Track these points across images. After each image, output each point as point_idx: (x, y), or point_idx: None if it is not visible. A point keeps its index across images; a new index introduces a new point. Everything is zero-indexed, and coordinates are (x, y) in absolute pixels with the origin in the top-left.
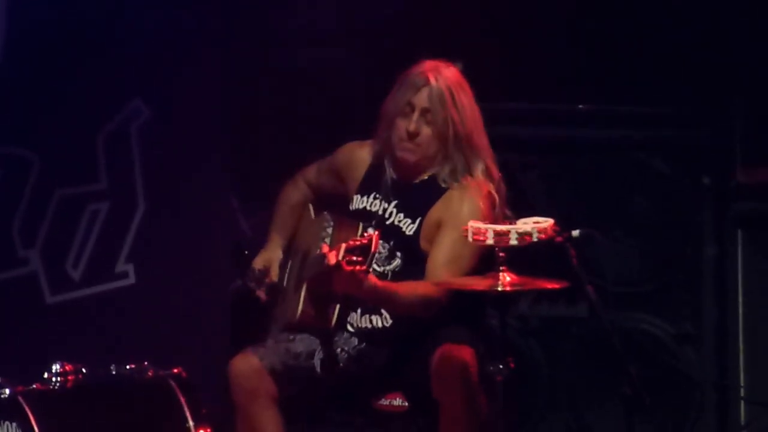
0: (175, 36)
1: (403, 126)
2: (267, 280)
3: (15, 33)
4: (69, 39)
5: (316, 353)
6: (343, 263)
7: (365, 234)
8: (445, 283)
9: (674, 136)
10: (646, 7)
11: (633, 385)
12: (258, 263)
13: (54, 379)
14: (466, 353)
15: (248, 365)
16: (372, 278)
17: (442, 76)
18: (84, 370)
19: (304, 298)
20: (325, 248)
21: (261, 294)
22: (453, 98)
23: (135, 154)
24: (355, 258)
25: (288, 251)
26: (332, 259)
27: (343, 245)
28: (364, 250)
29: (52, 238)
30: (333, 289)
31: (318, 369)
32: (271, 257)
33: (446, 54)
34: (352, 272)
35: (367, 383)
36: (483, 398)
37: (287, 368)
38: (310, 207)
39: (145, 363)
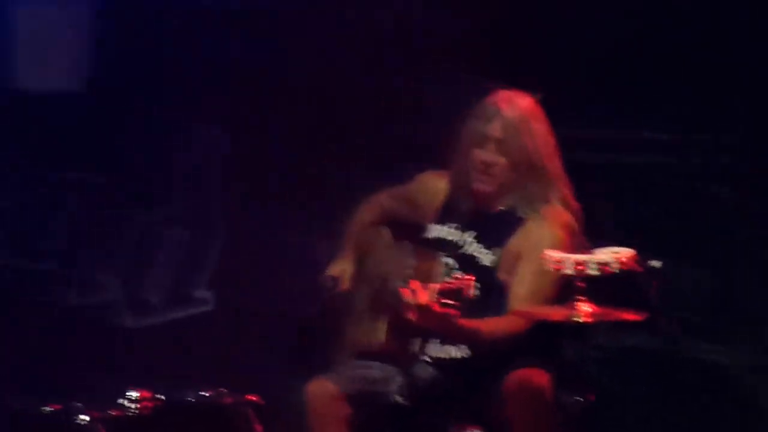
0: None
1: (478, 157)
2: (338, 289)
3: (98, 65)
4: (146, 62)
5: (393, 380)
6: (435, 305)
7: (457, 278)
8: (526, 313)
9: (740, 163)
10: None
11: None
12: (333, 271)
13: (131, 405)
14: (541, 377)
15: (324, 390)
16: (459, 320)
17: (516, 106)
18: (161, 396)
19: (385, 328)
20: (416, 285)
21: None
22: (527, 127)
23: (213, 181)
24: (446, 301)
25: (359, 270)
26: (423, 298)
27: (436, 287)
28: (456, 295)
29: (131, 263)
30: (416, 324)
31: (397, 395)
32: (345, 268)
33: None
34: (444, 314)
35: (443, 412)
36: (556, 422)
37: (362, 394)
38: (388, 231)
39: (223, 389)
